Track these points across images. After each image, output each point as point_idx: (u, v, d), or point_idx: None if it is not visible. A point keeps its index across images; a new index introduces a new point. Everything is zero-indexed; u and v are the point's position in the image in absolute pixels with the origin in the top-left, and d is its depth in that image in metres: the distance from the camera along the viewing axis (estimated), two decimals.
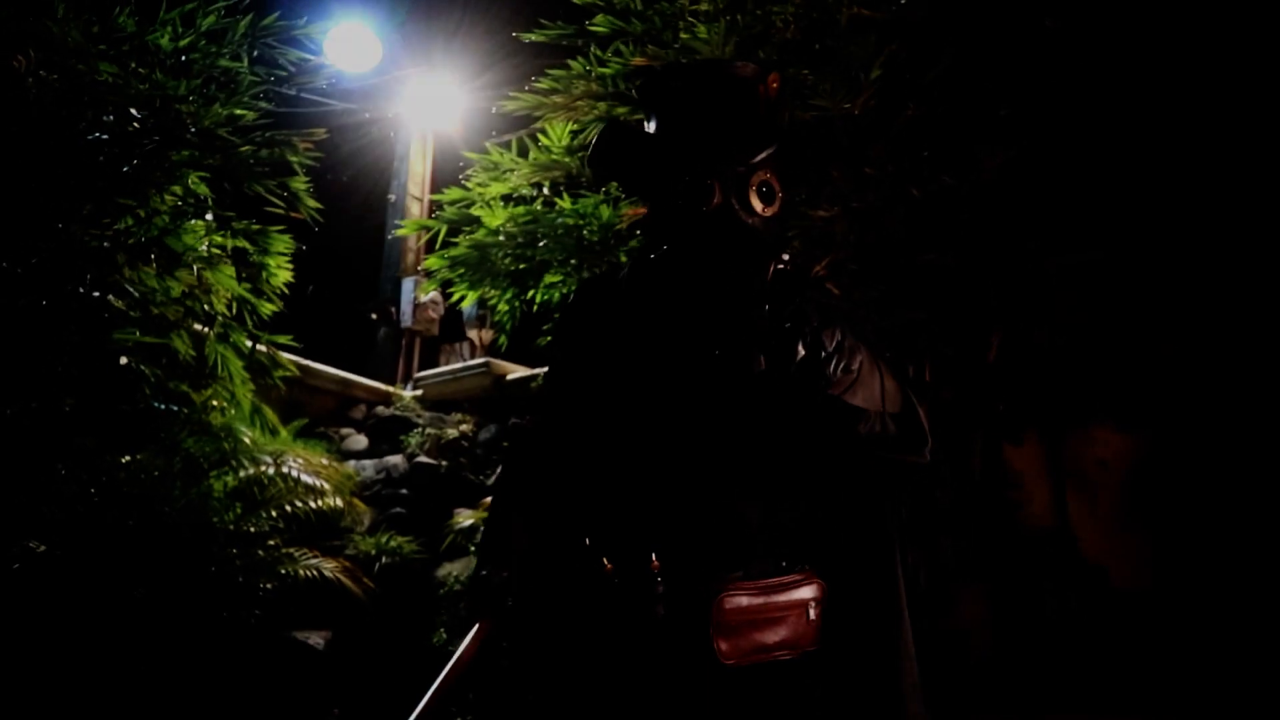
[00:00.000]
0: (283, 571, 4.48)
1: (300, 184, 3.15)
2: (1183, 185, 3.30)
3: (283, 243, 3.39)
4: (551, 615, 1.39)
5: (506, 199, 3.78)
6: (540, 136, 3.63)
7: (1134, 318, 3.90)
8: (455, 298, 4.09)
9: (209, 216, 3.12)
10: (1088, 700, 3.50)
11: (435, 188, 9.80)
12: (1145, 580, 4.09)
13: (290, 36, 3.52)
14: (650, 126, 1.44)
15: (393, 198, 10.17)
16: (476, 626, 1.42)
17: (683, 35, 3.10)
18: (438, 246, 3.90)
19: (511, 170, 3.69)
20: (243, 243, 3.48)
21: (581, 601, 1.34)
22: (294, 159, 3.09)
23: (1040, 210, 3.37)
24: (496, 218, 3.70)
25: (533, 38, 3.28)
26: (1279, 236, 3.33)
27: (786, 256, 1.42)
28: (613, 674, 1.29)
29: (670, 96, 1.42)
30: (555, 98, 3.15)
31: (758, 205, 1.36)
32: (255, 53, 3.45)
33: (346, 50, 9.25)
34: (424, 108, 10.31)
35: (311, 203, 3.23)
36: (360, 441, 6.75)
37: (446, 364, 8.48)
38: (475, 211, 3.78)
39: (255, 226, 3.24)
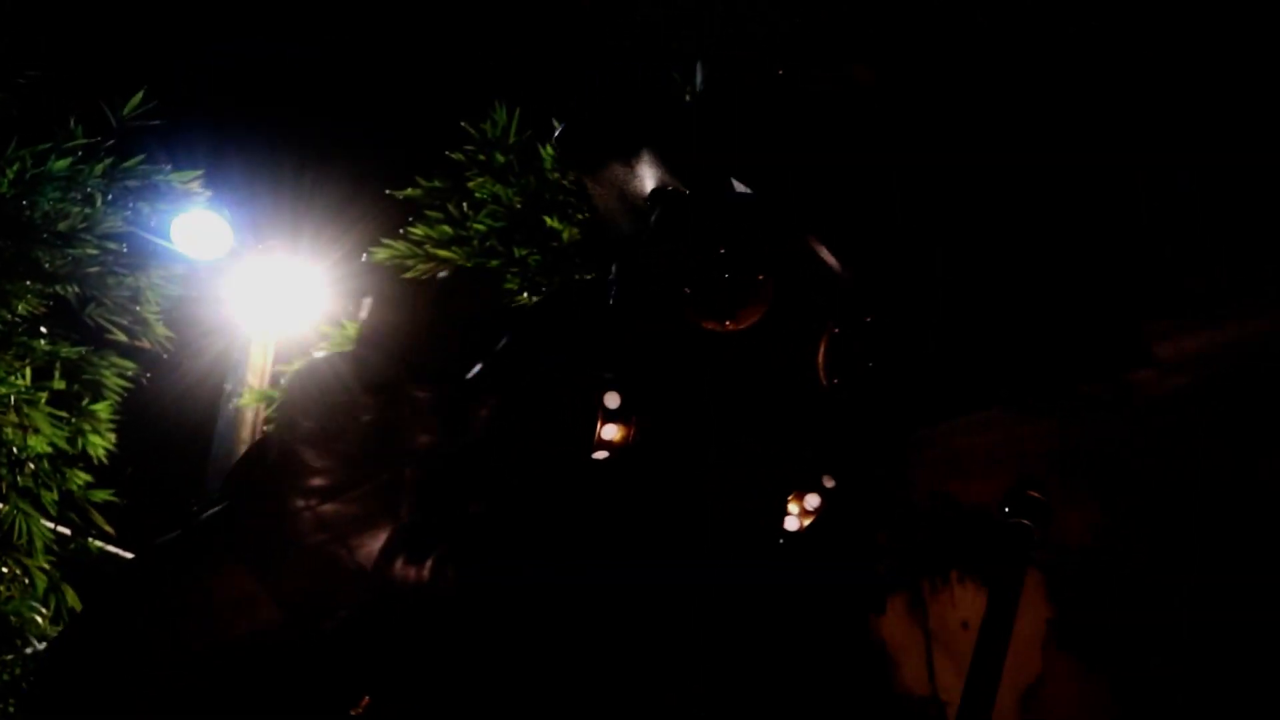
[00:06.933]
0: None
1: (151, 311, 2.97)
2: None
3: (113, 375, 3.09)
4: None
5: None
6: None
7: None
8: None
9: (41, 337, 2.85)
10: None
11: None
12: None
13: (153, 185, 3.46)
14: None
15: (229, 388, 9.73)
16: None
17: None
18: None
19: None
20: (62, 384, 3.18)
21: None
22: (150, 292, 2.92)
23: None
24: None
25: (408, 194, 3.36)
26: None
27: None
28: None
29: None
30: (428, 247, 3.18)
31: None
32: (110, 196, 3.35)
33: (195, 237, 9.10)
34: (269, 293, 10.06)
35: (161, 329, 3.03)
36: None
37: None
38: None
39: (91, 353, 2.96)
